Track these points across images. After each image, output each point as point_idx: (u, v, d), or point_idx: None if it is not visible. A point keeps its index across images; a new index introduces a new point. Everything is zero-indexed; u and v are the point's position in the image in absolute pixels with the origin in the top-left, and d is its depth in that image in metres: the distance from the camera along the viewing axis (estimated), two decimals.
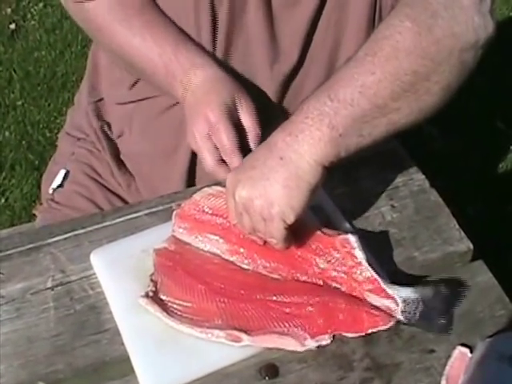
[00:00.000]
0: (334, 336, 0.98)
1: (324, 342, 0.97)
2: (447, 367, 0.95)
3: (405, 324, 0.99)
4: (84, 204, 1.35)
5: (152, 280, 1.01)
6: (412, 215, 1.15)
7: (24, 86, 2.78)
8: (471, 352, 0.96)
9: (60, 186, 1.38)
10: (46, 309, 1.02)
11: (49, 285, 1.05)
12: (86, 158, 1.38)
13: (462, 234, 1.12)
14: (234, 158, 1.06)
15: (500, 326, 1.01)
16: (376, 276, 1.00)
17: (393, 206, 1.16)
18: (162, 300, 1.00)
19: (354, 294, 1.01)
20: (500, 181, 2.54)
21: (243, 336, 0.96)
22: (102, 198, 1.35)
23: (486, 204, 2.43)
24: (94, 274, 1.06)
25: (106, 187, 1.36)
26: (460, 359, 0.95)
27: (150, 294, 1.00)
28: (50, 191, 1.38)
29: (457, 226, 1.13)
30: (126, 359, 0.96)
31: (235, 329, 0.97)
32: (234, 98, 1.10)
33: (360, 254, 1.01)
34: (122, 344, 0.98)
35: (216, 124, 1.07)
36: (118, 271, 1.04)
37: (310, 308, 0.99)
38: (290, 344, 0.97)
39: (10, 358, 0.97)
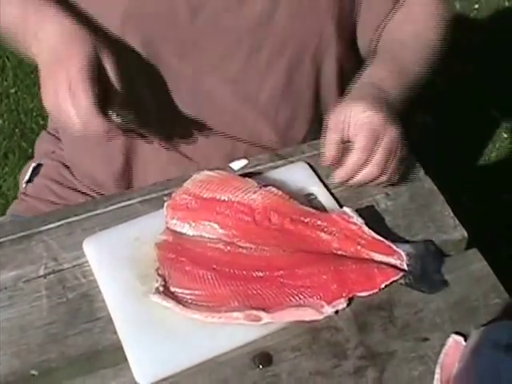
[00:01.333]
0: (350, 299, 0.99)
1: (341, 306, 0.98)
2: (441, 355, 0.94)
3: (408, 285, 1.02)
4: (53, 198, 1.34)
5: (159, 274, 1.00)
6: (406, 203, 1.14)
7: (17, 73, 2.77)
8: (465, 340, 0.96)
9: (29, 181, 1.38)
10: (39, 297, 1.02)
11: (41, 273, 1.04)
12: (64, 159, 1.37)
13: (457, 221, 1.12)
14: (92, 119, 1.03)
15: (494, 314, 1.00)
16: (378, 236, 1.04)
17: (387, 194, 1.15)
18: (173, 293, 0.99)
19: (361, 257, 1.03)
20: (494, 169, 2.54)
21: (262, 314, 0.96)
22: (74, 200, 1.33)
23: (481, 192, 2.43)
24: (87, 262, 1.05)
25: (79, 191, 1.36)
26: (454, 348, 0.95)
27: (161, 288, 0.98)
28: (24, 185, 1.38)
29: (451, 214, 1.13)
30: (118, 348, 0.95)
31: (253, 308, 0.97)
32: (97, 52, 1.06)
33: (359, 220, 1.05)
34: (115, 333, 0.97)
35: (76, 82, 1.03)
36: (110, 259, 1.04)
37: (324, 276, 1.00)
38: (308, 314, 0.97)
39: (3, 347, 0.96)
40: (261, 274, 1.00)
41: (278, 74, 1.21)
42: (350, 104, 1.08)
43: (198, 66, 1.19)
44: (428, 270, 1.04)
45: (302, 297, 0.98)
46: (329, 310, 0.98)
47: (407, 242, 1.08)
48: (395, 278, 1.01)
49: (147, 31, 1.16)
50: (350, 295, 0.99)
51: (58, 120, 1.10)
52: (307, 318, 0.97)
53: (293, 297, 0.98)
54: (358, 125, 1.06)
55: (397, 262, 1.03)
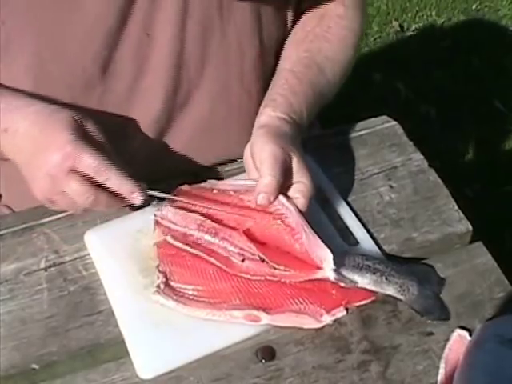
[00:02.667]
0: (347, 309, 0.98)
1: (340, 315, 0.97)
2: (446, 350, 0.94)
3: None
4: None
5: (160, 271, 0.98)
6: (411, 196, 1.14)
7: None
8: (470, 335, 0.95)
9: None
10: (40, 290, 1.01)
11: (42, 265, 1.04)
12: None
13: (461, 214, 1.11)
14: (111, 175, 0.96)
15: (499, 308, 1.00)
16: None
17: (391, 187, 1.15)
18: (174, 289, 0.98)
19: None
20: (497, 161, 2.53)
21: (262, 315, 0.95)
22: None
23: (484, 185, 2.42)
24: (88, 254, 1.04)
25: None
26: (459, 342, 0.94)
27: (162, 286, 0.97)
28: None
29: (456, 207, 1.12)
30: (120, 341, 0.95)
31: (254, 307, 0.96)
32: (79, 122, 0.97)
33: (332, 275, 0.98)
34: (117, 326, 0.96)
35: (74, 152, 0.94)
36: (112, 252, 1.03)
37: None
38: (307, 322, 0.96)
39: (4, 340, 0.95)
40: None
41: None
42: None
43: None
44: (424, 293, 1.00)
45: (302, 301, 0.97)
46: (328, 319, 0.96)
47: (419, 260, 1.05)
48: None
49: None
50: (349, 305, 0.98)
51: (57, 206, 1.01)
52: (305, 326, 0.96)
53: (293, 299, 0.97)
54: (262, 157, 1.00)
55: None
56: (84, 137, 0.96)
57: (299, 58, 1.18)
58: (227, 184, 1.07)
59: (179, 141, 1.18)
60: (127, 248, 1.03)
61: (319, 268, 0.97)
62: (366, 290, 0.98)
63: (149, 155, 1.16)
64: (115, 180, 0.97)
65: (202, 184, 1.07)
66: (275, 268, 0.97)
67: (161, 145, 1.17)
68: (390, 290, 0.98)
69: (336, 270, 0.97)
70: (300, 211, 1.00)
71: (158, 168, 1.13)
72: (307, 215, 1.00)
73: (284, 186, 1.00)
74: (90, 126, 0.99)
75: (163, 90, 1.12)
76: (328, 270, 0.97)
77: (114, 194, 0.98)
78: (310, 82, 1.16)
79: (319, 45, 1.20)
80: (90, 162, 0.94)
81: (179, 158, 1.19)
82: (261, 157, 1.00)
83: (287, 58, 1.19)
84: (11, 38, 1.04)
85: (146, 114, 1.14)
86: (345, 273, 0.97)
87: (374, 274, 0.98)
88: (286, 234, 0.99)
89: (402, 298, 0.98)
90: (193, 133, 1.18)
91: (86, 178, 0.95)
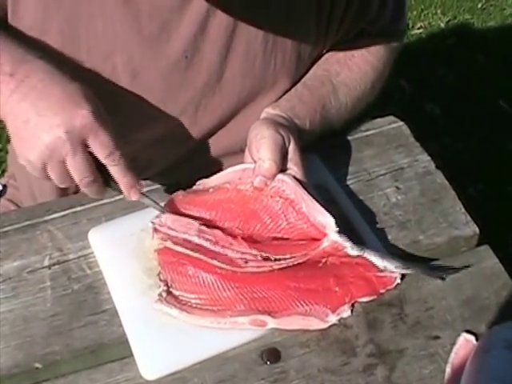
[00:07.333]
0: (353, 305, 0.98)
1: (345, 314, 0.97)
2: (452, 354, 0.93)
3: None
4: None
5: (161, 279, 0.97)
6: (417, 197, 1.13)
7: None
8: (476, 339, 0.94)
9: None
10: (43, 288, 1.00)
11: (46, 263, 1.03)
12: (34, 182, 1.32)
13: (468, 217, 1.10)
14: (120, 162, 0.93)
15: (506, 312, 0.99)
16: (365, 254, 0.99)
17: (398, 188, 1.14)
18: (177, 297, 0.97)
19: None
20: (501, 161, 2.52)
21: (268, 319, 0.95)
22: None
23: (488, 184, 2.41)
24: (92, 252, 1.04)
25: None
26: (465, 346, 0.94)
27: (164, 294, 0.96)
28: None
29: (463, 210, 1.11)
30: (124, 341, 0.94)
31: (259, 312, 0.95)
32: (96, 100, 0.92)
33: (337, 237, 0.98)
34: (121, 325, 0.96)
35: (94, 126, 0.89)
36: (116, 251, 1.02)
37: (326, 279, 0.98)
38: (313, 324, 0.95)
39: (6, 339, 0.95)
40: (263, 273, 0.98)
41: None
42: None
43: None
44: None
45: (307, 303, 0.96)
46: (333, 319, 0.96)
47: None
48: (391, 287, 1.00)
49: None
50: (352, 301, 0.98)
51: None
52: (312, 328, 0.96)
53: (299, 302, 0.96)
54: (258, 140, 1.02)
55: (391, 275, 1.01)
56: (101, 116, 0.91)
57: (316, 74, 1.17)
58: (218, 177, 1.05)
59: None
60: (131, 247, 1.02)
61: (324, 235, 0.98)
62: (369, 281, 0.99)
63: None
64: (122, 169, 0.93)
65: (195, 187, 1.05)
66: (280, 260, 0.97)
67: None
68: (395, 265, 0.99)
69: (340, 232, 0.97)
70: (296, 180, 1.00)
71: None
72: None
73: None
74: (102, 109, 0.93)
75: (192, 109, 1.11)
76: (332, 234, 0.97)
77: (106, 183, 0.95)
78: (320, 96, 1.14)
79: (339, 69, 1.18)
80: (106, 141, 0.90)
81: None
82: (260, 142, 1.00)
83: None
84: None
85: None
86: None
87: (377, 251, 1.01)
88: (287, 207, 1.00)
89: (408, 271, 1.00)
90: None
91: (91, 156, 0.91)
